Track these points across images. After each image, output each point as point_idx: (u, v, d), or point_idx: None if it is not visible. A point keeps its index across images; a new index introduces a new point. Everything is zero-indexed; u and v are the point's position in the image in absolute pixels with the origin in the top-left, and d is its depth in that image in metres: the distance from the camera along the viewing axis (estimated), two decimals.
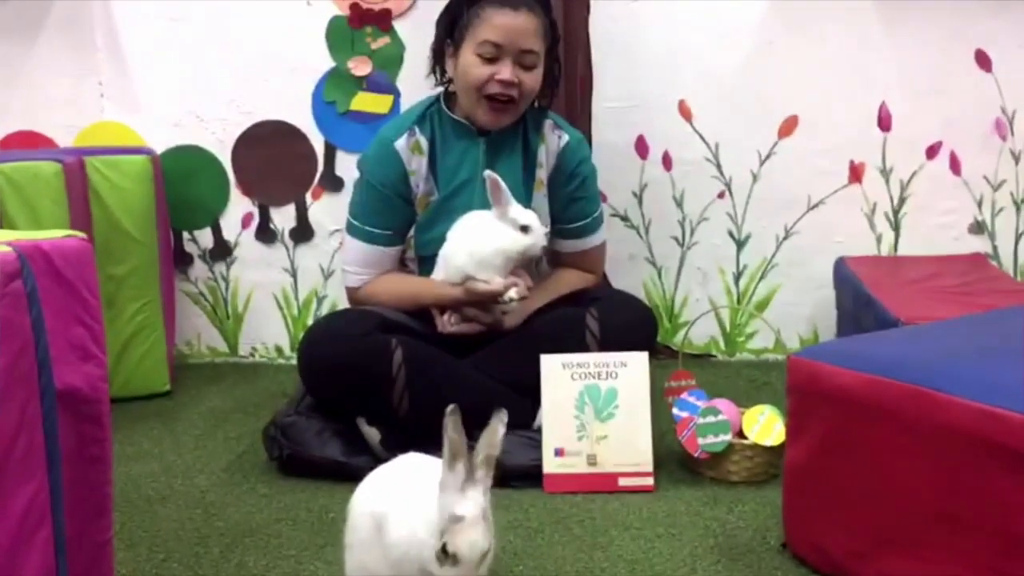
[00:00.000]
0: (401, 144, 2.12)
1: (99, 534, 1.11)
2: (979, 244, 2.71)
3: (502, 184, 2.01)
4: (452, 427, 1.21)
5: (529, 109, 2.16)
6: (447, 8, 2.14)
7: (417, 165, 2.13)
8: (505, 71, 2.05)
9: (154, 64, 2.78)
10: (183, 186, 2.77)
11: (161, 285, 2.58)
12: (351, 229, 2.18)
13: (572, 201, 2.21)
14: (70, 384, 1.04)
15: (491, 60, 2.05)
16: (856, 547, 1.45)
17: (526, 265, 2.11)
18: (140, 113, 2.80)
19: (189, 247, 2.87)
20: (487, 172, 2.01)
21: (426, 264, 2.16)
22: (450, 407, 1.22)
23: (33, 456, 0.96)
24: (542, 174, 2.19)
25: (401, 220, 2.16)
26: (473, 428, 1.97)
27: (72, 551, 1.02)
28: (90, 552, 1.09)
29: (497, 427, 1.25)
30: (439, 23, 2.15)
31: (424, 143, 2.13)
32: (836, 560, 1.49)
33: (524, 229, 2.01)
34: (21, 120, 2.81)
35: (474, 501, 1.19)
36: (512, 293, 2.02)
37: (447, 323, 2.11)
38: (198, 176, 2.81)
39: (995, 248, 2.71)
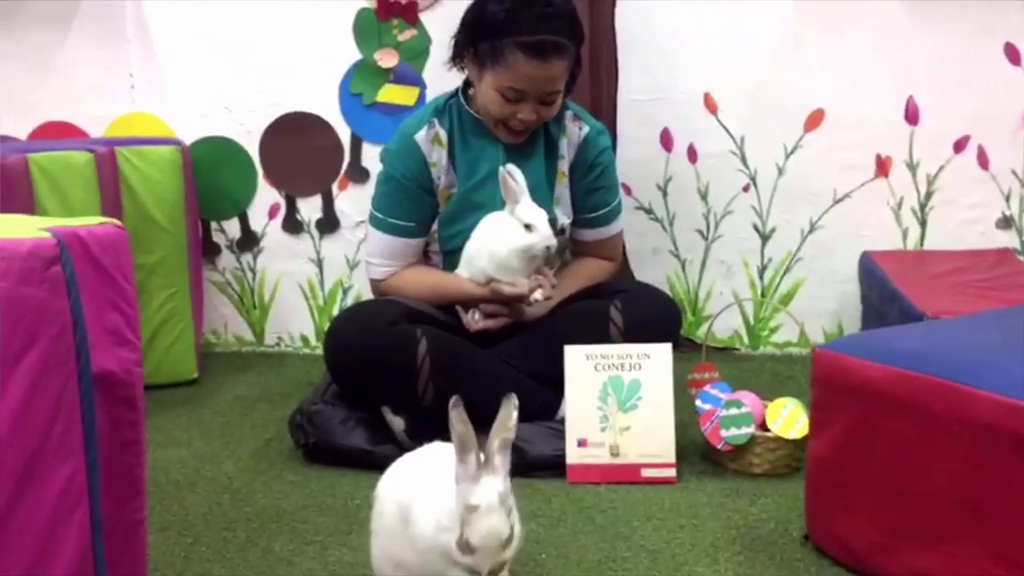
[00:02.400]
0: (421, 136, 2.14)
1: (132, 515, 1.13)
2: (1006, 239, 2.69)
3: (511, 180, 2.01)
4: (458, 419, 1.22)
5: None
6: (477, 17, 2.08)
7: (438, 157, 2.14)
8: (526, 112, 2.06)
9: (183, 55, 2.81)
10: (211, 176, 2.80)
11: (189, 274, 2.61)
12: (374, 221, 2.19)
13: (592, 191, 2.22)
14: (105, 368, 1.06)
15: (514, 99, 2.05)
16: (879, 540, 1.45)
17: (549, 259, 2.11)
18: (169, 104, 2.83)
19: (217, 237, 2.90)
20: (502, 167, 2.02)
21: (450, 258, 2.18)
22: (453, 399, 1.22)
23: (70, 437, 0.98)
24: (563, 166, 2.20)
25: (424, 212, 2.17)
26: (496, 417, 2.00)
27: (107, 531, 1.05)
28: (124, 533, 1.12)
29: (510, 411, 1.25)
30: (464, 22, 2.13)
31: (444, 135, 2.15)
32: (858, 553, 1.50)
33: (528, 227, 2.01)
34: (53, 111, 2.85)
35: (490, 489, 1.20)
36: (537, 295, 2.05)
37: (472, 321, 2.12)
38: (226, 167, 2.84)
39: (1023, 243, 2.69)
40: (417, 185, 2.15)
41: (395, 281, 2.19)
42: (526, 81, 2.02)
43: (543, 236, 2.01)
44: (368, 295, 2.47)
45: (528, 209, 2.02)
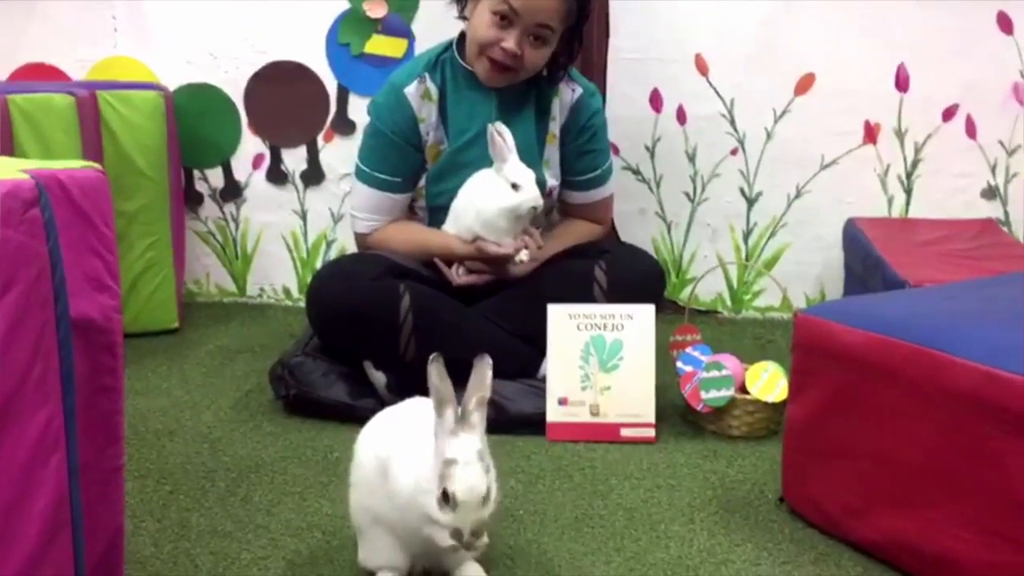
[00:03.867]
0: (411, 90, 2.11)
1: (110, 462, 1.13)
2: (991, 209, 2.70)
3: (499, 138, 2.00)
4: (436, 374, 1.22)
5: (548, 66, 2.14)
6: None
7: (427, 112, 2.12)
8: (511, 41, 2.02)
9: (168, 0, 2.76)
10: (195, 124, 2.76)
11: (171, 223, 2.59)
12: (360, 174, 2.17)
13: (583, 153, 2.21)
14: (84, 314, 1.05)
15: (504, 25, 2.02)
16: (853, 504, 1.47)
17: (536, 219, 2.10)
18: (153, 49, 2.79)
19: (200, 186, 2.87)
20: (491, 124, 2.01)
21: (436, 214, 2.16)
22: (432, 355, 1.22)
23: (48, 381, 0.97)
24: (554, 127, 2.18)
25: (410, 167, 2.15)
26: None
27: (85, 477, 1.04)
28: (102, 479, 1.11)
29: (484, 370, 1.25)
30: None
31: (434, 90, 2.12)
32: (833, 516, 1.51)
33: (515, 187, 2.00)
34: (34, 52, 2.81)
35: (468, 444, 1.20)
36: (523, 255, 2.04)
37: (456, 275, 2.11)
38: (210, 115, 2.80)
39: (1007, 214, 2.70)
40: (404, 140, 2.13)
41: (380, 235, 2.18)
42: (521, 2, 1.98)
43: (530, 196, 2.00)
44: (352, 248, 2.46)
45: (516, 168, 2.01)
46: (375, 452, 1.34)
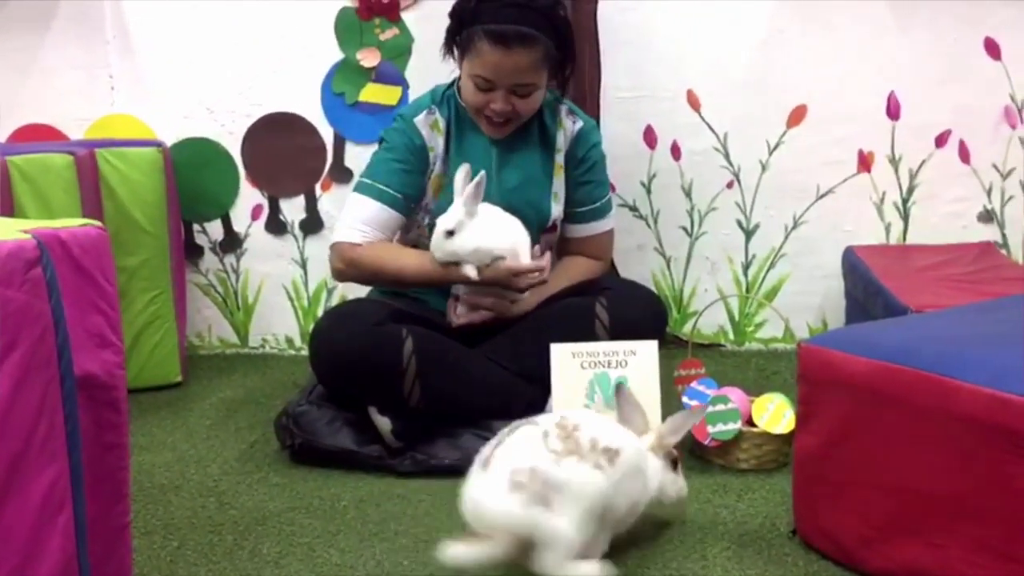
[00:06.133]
0: (420, 120, 2.15)
1: (117, 519, 1.12)
2: (988, 233, 2.71)
3: (458, 179, 1.99)
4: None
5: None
6: (455, 6, 2.12)
7: (435, 143, 2.15)
8: (498, 102, 2.06)
9: (164, 56, 2.79)
10: (193, 178, 2.78)
11: (172, 276, 2.59)
12: (361, 187, 2.14)
13: (582, 185, 2.23)
14: (88, 371, 1.05)
15: (486, 88, 2.06)
16: (866, 534, 1.46)
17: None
18: (150, 105, 2.81)
19: (199, 239, 2.88)
20: (464, 165, 2.01)
21: None
22: None
23: (54, 440, 0.97)
24: (560, 158, 2.21)
25: (412, 188, 2.15)
26: (483, 415, 2.00)
27: (92, 535, 1.04)
28: (109, 536, 1.11)
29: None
30: (450, 13, 2.13)
31: (442, 123, 2.16)
32: (846, 547, 1.50)
33: (449, 233, 1.98)
34: (32, 113, 2.83)
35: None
36: (468, 270, 1.99)
37: (455, 316, 2.11)
38: (208, 168, 2.82)
39: (1004, 236, 2.71)
40: (415, 158, 2.14)
41: (363, 249, 2.10)
42: (492, 69, 2.03)
43: (438, 249, 1.98)
44: (352, 296, 2.46)
45: (451, 213, 1.99)
46: None
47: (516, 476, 1.34)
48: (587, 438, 1.42)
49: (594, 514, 1.39)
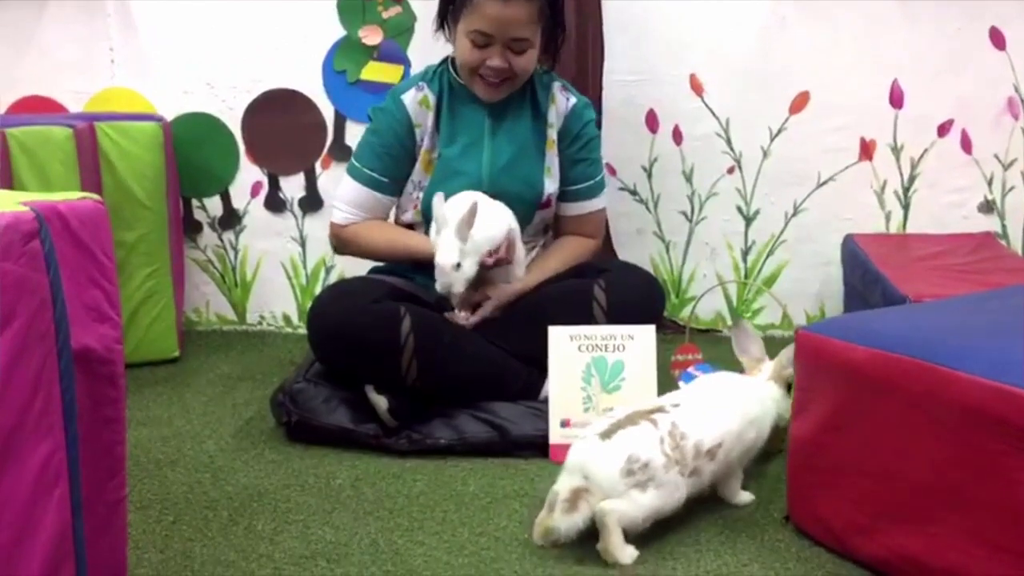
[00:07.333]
0: (409, 97, 2.16)
1: (113, 493, 1.12)
2: (988, 223, 2.71)
3: (436, 210, 2.00)
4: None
5: (535, 72, 2.17)
6: None
7: (423, 119, 2.16)
8: (495, 58, 2.07)
9: (165, 31, 2.78)
10: (192, 153, 2.77)
11: (170, 252, 2.59)
12: (351, 170, 2.21)
13: (576, 163, 2.23)
14: (85, 345, 1.05)
15: (482, 45, 2.06)
16: (859, 521, 1.46)
17: (535, 233, 2.15)
18: (150, 80, 2.80)
19: (198, 215, 2.87)
20: (436, 195, 2.02)
21: (431, 223, 2.17)
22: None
23: (50, 414, 0.97)
24: (552, 133, 2.21)
25: (400, 171, 2.18)
26: (479, 396, 2.00)
27: (87, 510, 1.04)
28: (104, 511, 1.11)
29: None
30: None
31: (432, 98, 2.16)
32: (838, 534, 1.51)
33: (457, 266, 1.97)
34: (32, 85, 2.81)
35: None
36: (459, 318, 2.07)
37: (462, 318, 2.10)
38: (207, 144, 2.81)
39: (1004, 227, 2.71)
40: (399, 143, 2.16)
41: (355, 229, 2.20)
42: (490, 23, 2.03)
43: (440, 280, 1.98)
44: (351, 274, 2.46)
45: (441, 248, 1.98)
46: None
47: (632, 464, 1.51)
48: (691, 445, 1.58)
49: (664, 513, 1.56)
